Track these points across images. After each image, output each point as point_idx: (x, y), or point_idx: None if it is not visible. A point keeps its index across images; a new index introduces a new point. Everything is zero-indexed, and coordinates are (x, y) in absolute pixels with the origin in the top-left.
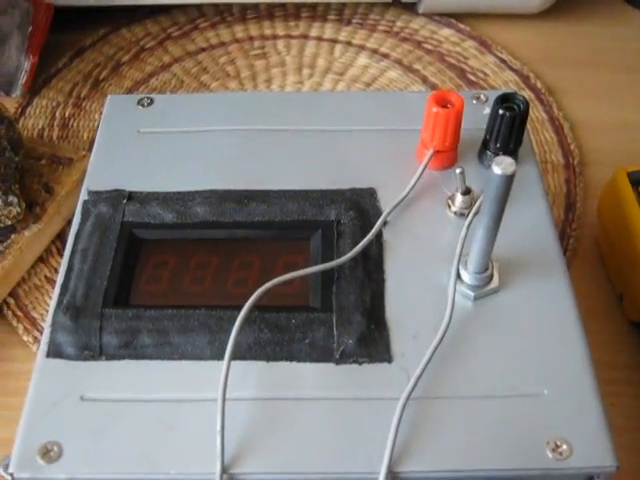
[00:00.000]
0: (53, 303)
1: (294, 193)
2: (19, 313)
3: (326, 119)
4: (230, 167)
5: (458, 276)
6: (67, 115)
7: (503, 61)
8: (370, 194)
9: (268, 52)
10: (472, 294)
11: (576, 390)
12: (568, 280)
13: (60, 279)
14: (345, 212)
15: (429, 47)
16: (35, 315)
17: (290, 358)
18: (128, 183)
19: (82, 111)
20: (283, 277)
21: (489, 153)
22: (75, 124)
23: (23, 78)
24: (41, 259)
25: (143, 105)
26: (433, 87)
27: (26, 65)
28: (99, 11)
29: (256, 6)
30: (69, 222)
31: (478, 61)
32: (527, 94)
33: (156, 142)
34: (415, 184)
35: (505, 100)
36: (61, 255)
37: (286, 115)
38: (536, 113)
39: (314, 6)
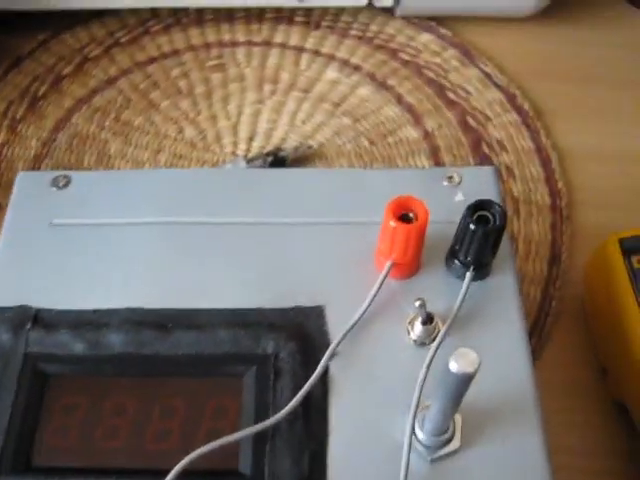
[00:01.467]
0: None
1: (227, 315)
2: None
3: (267, 208)
4: (153, 274)
5: (414, 434)
6: (0, 142)
7: (488, 75)
8: (317, 315)
9: (226, 63)
10: (428, 457)
11: None
12: (541, 430)
13: None
14: (285, 343)
15: (406, 57)
16: None
17: None
18: (36, 296)
19: (17, 137)
20: (207, 446)
21: (457, 263)
22: (9, 153)
23: None
24: None
25: (58, 186)
26: (409, 108)
27: None
28: (38, 12)
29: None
30: None
31: (460, 75)
32: (513, 117)
33: (69, 239)
34: (370, 304)
35: (479, 208)
36: None
37: (220, 202)
38: (522, 142)
39: (279, 8)
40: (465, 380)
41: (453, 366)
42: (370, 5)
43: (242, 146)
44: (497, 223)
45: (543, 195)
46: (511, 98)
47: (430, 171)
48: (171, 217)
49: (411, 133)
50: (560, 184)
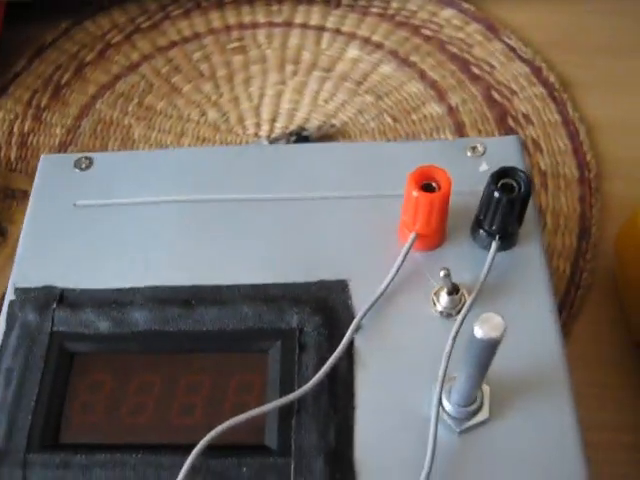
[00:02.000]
0: None
1: (250, 290)
2: None
3: (288, 184)
4: (175, 252)
5: (441, 405)
6: (26, 130)
7: (512, 49)
8: (341, 289)
9: (247, 45)
10: (456, 429)
11: None
12: (572, 403)
13: None
14: (310, 317)
15: (428, 33)
16: None
17: None
18: (61, 276)
19: (42, 125)
20: (233, 420)
21: (483, 233)
22: (35, 141)
23: None
24: None
25: (81, 168)
26: (432, 84)
27: None
28: (60, 1)
29: None
30: None
31: (484, 49)
32: (539, 90)
33: (93, 220)
34: (394, 277)
35: (503, 175)
36: None
37: (241, 179)
38: (548, 115)
39: None
40: (491, 346)
41: (478, 332)
42: None
43: (265, 127)
44: (522, 190)
45: (571, 168)
46: (536, 71)
47: (454, 142)
48: (192, 195)
49: (435, 109)
50: (589, 156)
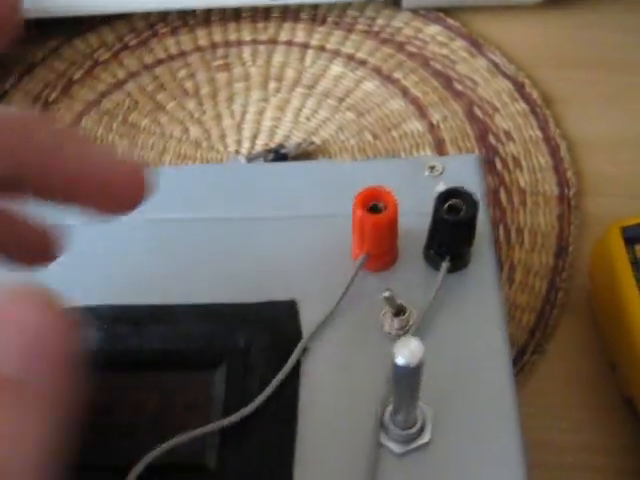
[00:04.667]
0: None
1: (199, 309)
2: None
3: (241, 204)
4: (127, 272)
5: (383, 428)
6: None
7: (496, 65)
8: (291, 309)
9: (232, 63)
10: (397, 451)
11: None
12: (518, 426)
13: None
14: (257, 337)
15: (412, 50)
16: None
17: None
18: None
19: None
20: (173, 440)
21: (433, 253)
22: None
23: None
24: None
25: None
26: (414, 100)
27: None
28: (51, 19)
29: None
30: None
31: (467, 66)
32: (521, 107)
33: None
34: (342, 298)
35: (450, 196)
36: None
37: (193, 199)
38: (530, 132)
39: (285, 6)
40: (412, 371)
41: (397, 358)
42: None
43: (246, 145)
44: (467, 212)
45: (551, 185)
46: (519, 87)
47: (412, 161)
48: (146, 214)
49: (416, 126)
50: (569, 173)
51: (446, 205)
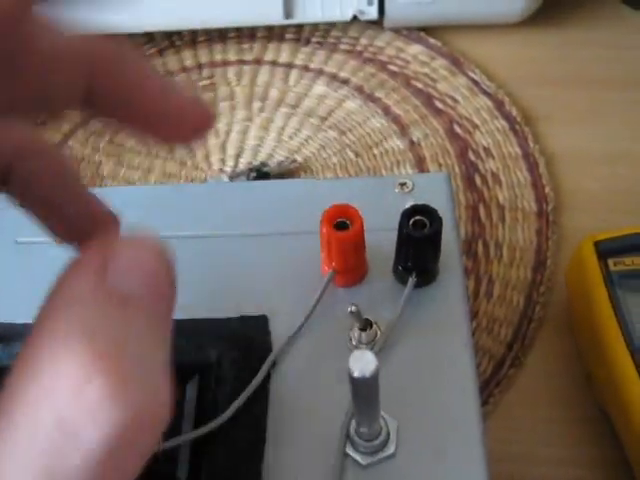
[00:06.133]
0: None
1: (174, 325)
2: None
3: (213, 221)
4: None
5: (349, 439)
6: None
7: (476, 83)
8: (262, 324)
9: (217, 82)
10: (363, 462)
11: None
12: (480, 442)
13: None
14: (228, 352)
15: (394, 69)
16: None
17: None
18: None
19: None
20: None
21: (401, 269)
22: None
23: None
24: None
25: None
26: (395, 118)
27: None
28: None
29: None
30: None
31: (448, 84)
32: (500, 124)
33: (35, 256)
34: (311, 313)
35: (415, 213)
36: None
37: (165, 217)
38: (509, 148)
39: (270, 27)
40: (367, 383)
41: (352, 370)
42: (356, 19)
43: (230, 163)
44: (432, 228)
45: (529, 201)
46: (499, 105)
47: (382, 179)
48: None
49: (397, 144)
50: (547, 189)
51: (411, 221)
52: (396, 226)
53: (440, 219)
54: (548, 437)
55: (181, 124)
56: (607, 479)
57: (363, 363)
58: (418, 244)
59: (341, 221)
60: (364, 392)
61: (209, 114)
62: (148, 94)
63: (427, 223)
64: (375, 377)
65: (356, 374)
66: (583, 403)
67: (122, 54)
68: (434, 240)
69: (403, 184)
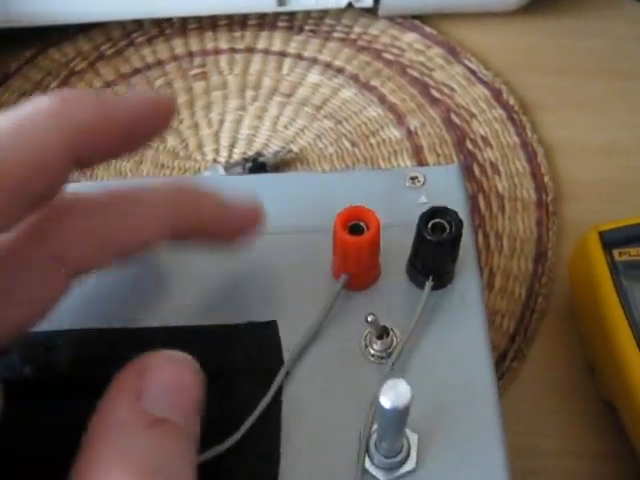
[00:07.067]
0: None
1: (178, 332)
2: None
3: None
4: (106, 294)
5: (368, 455)
6: None
7: (473, 72)
8: (271, 330)
9: (209, 71)
10: (382, 479)
11: None
12: (502, 452)
13: None
14: (237, 360)
15: (389, 57)
16: None
17: None
18: None
19: None
20: None
21: (416, 272)
22: None
23: None
24: None
25: None
26: (392, 107)
27: None
28: (26, 29)
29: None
30: None
31: (444, 73)
32: (498, 113)
33: None
34: (323, 320)
35: (435, 214)
36: None
37: None
38: (507, 137)
39: (262, 14)
40: (399, 413)
41: (384, 401)
42: (350, 6)
43: (223, 153)
44: (452, 232)
45: (529, 190)
46: (497, 94)
47: (392, 173)
48: None
49: (394, 133)
50: (546, 179)
51: (430, 224)
52: (408, 221)
53: (461, 222)
54: (551, 429)
55: (241, 228)
56: (610, 472)
57: (396, 394)
58: (437, 248)
59: (356, 223)
60: (394, 422)
61: (258, 211)
62: (217, 220)
63: (447, 226)
64: (408, 408)
65: (388, 406)
66: (586, 395)
67: (197, 199)
68: (454, 243)
69: (414, 178)
